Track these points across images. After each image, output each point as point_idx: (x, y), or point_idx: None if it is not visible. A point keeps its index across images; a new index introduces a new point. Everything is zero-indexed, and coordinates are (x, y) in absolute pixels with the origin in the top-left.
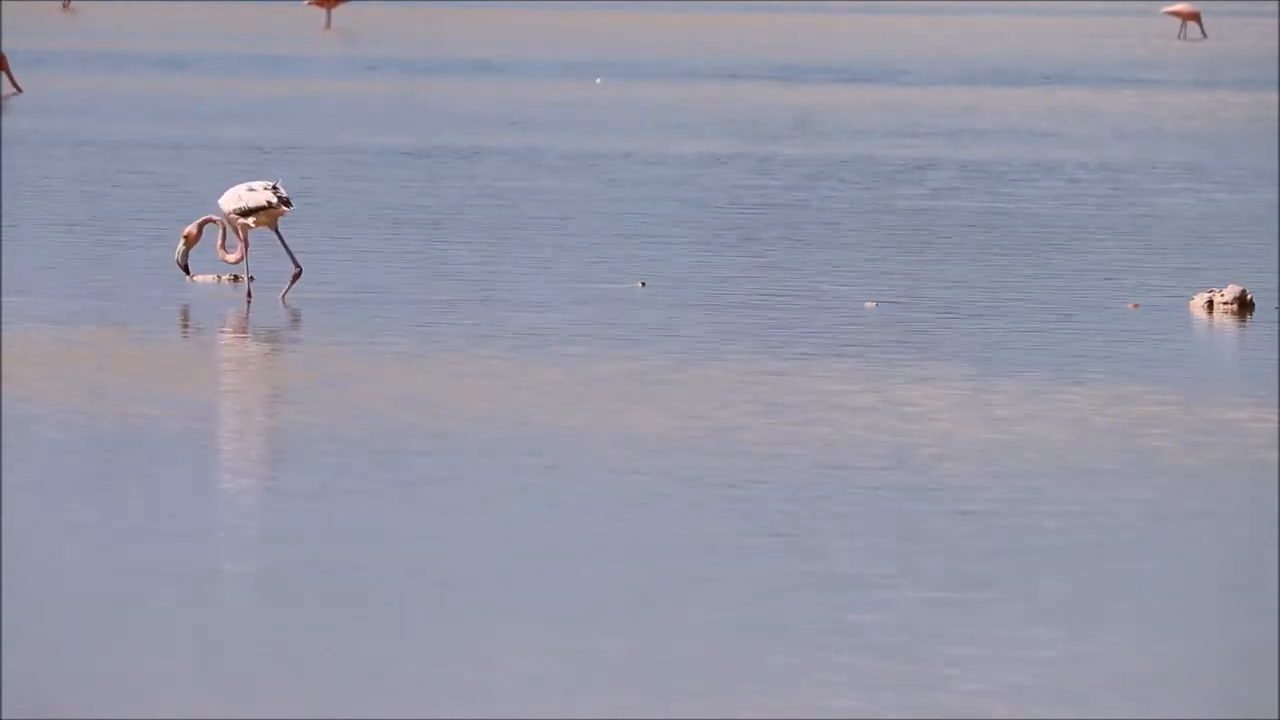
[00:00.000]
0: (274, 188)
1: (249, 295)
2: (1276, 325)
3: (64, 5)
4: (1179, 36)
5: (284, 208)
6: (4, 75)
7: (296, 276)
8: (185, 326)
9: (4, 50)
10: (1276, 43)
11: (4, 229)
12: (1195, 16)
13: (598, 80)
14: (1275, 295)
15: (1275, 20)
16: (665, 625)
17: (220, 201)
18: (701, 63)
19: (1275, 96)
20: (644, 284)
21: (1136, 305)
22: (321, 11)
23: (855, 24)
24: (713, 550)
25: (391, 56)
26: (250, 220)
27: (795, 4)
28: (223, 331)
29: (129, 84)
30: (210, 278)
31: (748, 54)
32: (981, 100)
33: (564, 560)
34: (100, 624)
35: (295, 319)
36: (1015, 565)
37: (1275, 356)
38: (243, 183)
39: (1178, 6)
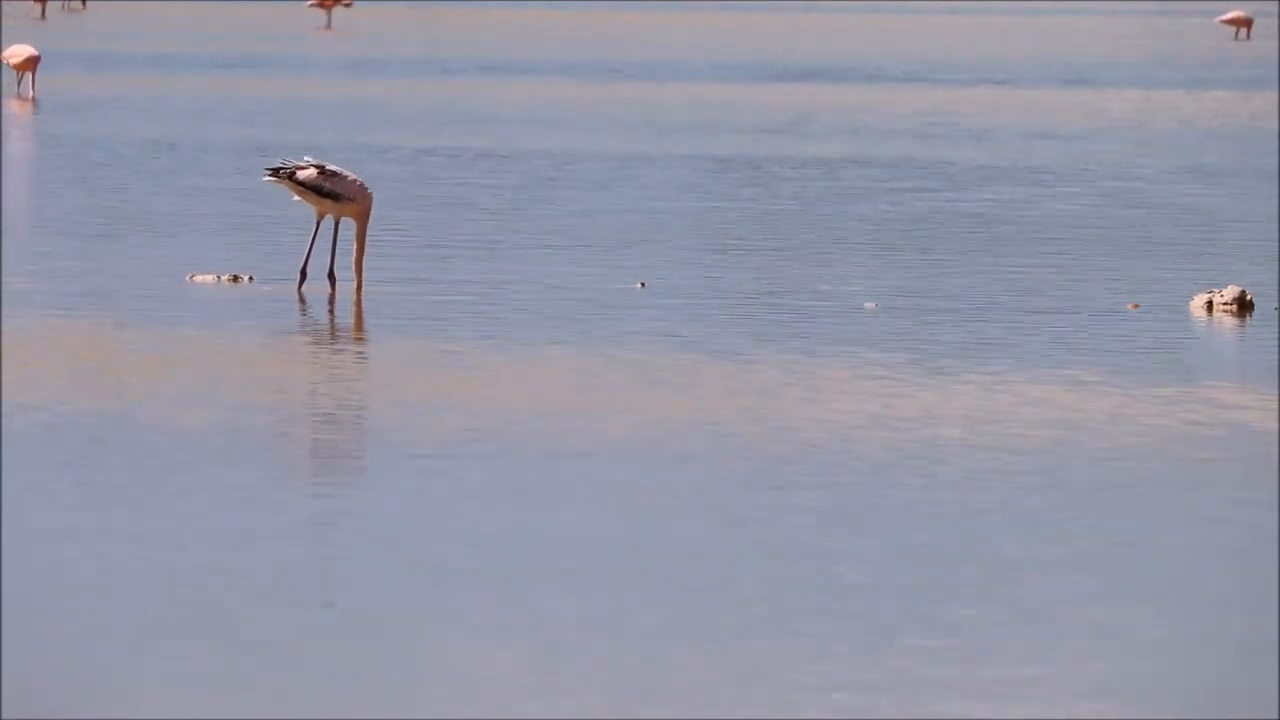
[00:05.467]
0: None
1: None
2: (1276, 325)
3: (63, 5)
4: (1236, 38)
5: (269, 176)
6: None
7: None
8: (185, 326)
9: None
10: (1277, 43)
11: (4, 228)
12: (1248, 23)
13: (640, 285)
14: (1275, 295)
15: (1276, 20)
16: (665, 624)
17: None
18: (701, 63)
19: (1276, 96)
20: (644, 284)
21: (1136, 305)
22: (322, 12)
23: (863, 23)
24: (711, 548)
25: (391, 56)
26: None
27: (799, 3)
28: (218, 330)
29: (129, 84)
30: (210, 277)
31: (747, 54)
32: (981, 100)
33: (561, 558)
34: (100, 624)
35: (297, 317)
36: (1014, 563)
37: (1275, 356)
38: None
39: (1231, 15)
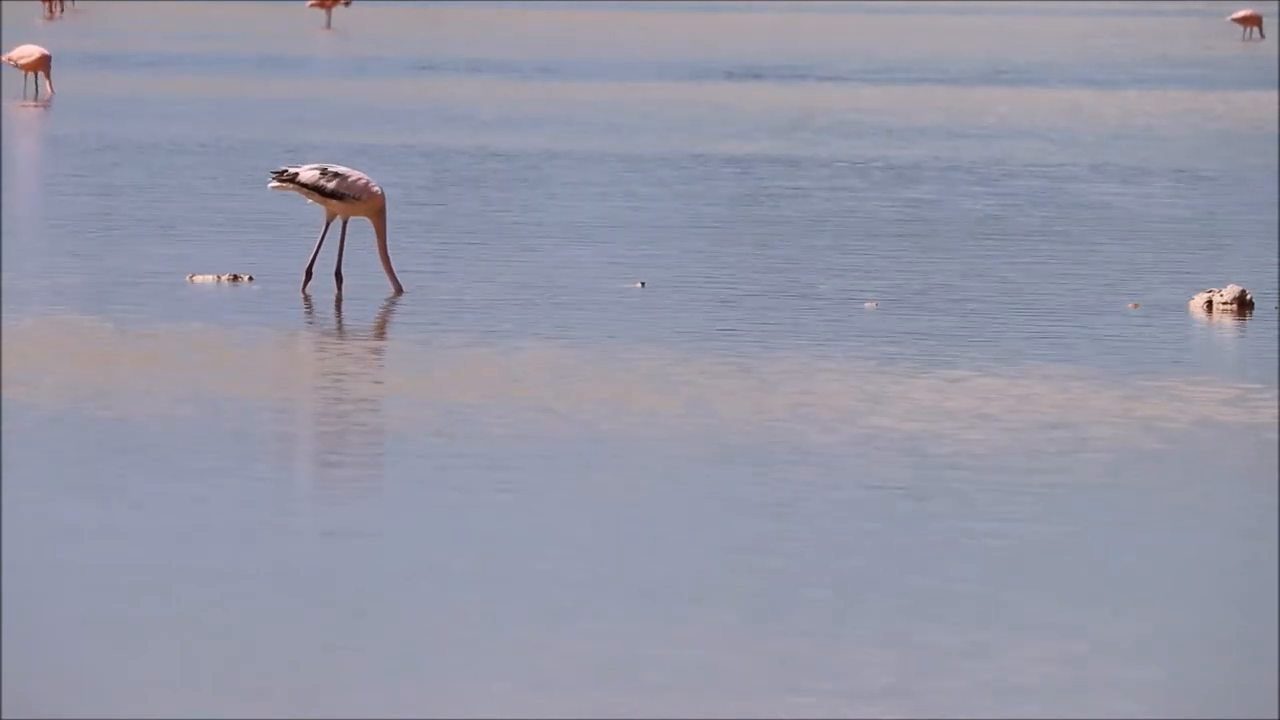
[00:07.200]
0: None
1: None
2: (1276, 325)
3: (65, 4)
4: (1248, 37)
5: (274, 182)
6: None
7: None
8: (185, 326)
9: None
10: (1277, 44)
11: (4, 228)
12: (1257, 20)
13: (640, 284)
14: (1275, 295)
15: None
16: (663, 624)
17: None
18: (700, 62)
19: (1275, 96)
20: (644, 284)
21: (1136, 305)
22: (322, 12)
23: (862, 22)
24: (710, 547)
25: (391, 56)
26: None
27: (797, 4)
28: (219, 330)
29: (129, 84)
30: (210, 277)
31: (746, 54)
32: (980, 100)
33: (558, 557)
34: (100, 624)
35: (299, 316)
36: (1012, 562)
37: (1275, 356)
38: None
39: (1241, 14)
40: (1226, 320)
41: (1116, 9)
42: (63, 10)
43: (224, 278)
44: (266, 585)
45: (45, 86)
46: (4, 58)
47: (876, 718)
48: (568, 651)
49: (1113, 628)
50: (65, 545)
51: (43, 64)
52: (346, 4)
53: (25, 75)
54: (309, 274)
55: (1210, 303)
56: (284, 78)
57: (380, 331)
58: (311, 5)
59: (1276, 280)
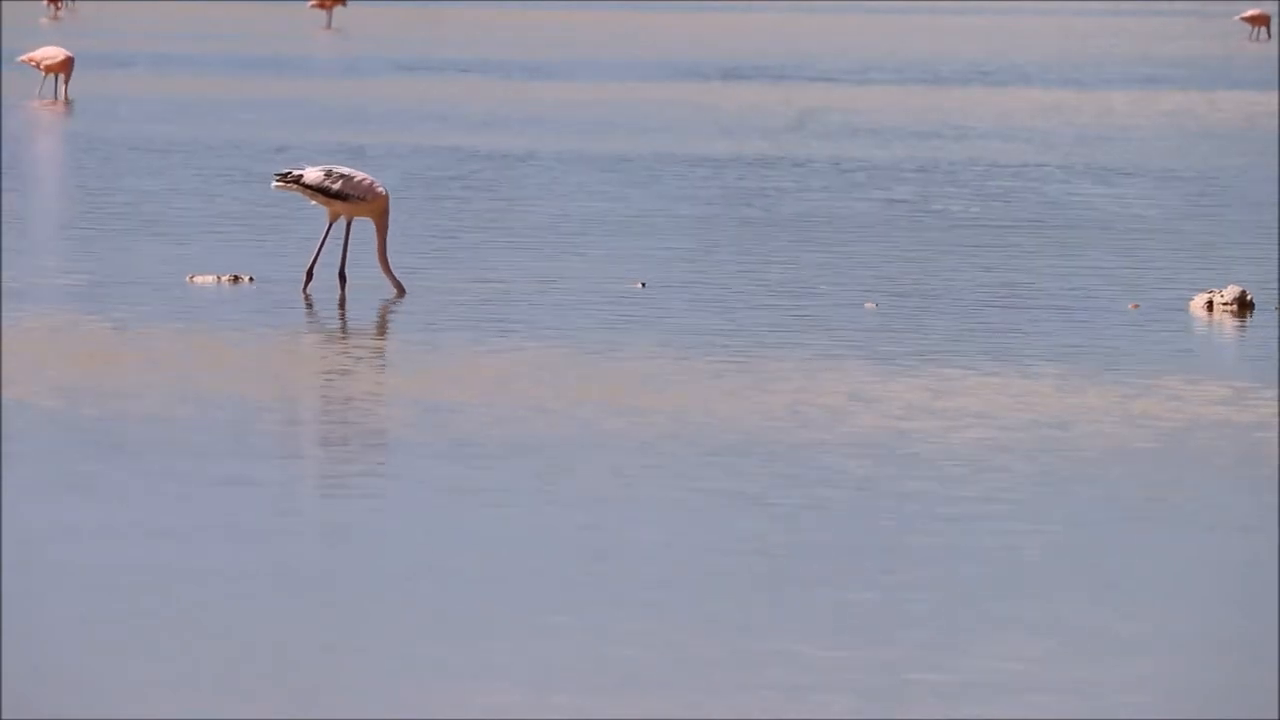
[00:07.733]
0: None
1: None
2: (1276, 325)
3: (66, 4)
4: (1256, 38)
5: (277, 182)
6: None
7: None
8: (185, 326)
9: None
10: (1276, 44)
11: (3, 227)
12: (1265, 20)
13: (640, 284)
14: (1275, 295)
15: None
16: (662, 624)
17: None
18: (698, 62)
19: (1276, 96)
20: (644, 284)
21: (1136, 305)
22: (322, 12)
23: (863, 22)
24: (709, 547)
25: (391, 56)
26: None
27: (796, 4)
28: (219, 331)
29: (129, 84)
30: (210, 278)
31: (744, 53)
32: (980, 100)
33: (558, 558)
34: (100, 624)
35: (300, 317)
36: (1010, 561)
37: (1275, 356)
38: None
39: (1250, 12)
40: (1227, 320)
41: (1117, 9)
42: (64, 5)
43: (224, 278)
44: (266, 585)
45: (63, 89)
46: (27, 58)
47: (874, 717)
48: (567, 651)
49: (1112, 628)
50: (65, 545)
51: (65, 66)
52: (344, 3)
53: (45, 76)
54: (310, 275)
55: (1210, 303)
56: (284, 78)
57: (380, 331)
58: (312, 5)
59: (1276, 280)
